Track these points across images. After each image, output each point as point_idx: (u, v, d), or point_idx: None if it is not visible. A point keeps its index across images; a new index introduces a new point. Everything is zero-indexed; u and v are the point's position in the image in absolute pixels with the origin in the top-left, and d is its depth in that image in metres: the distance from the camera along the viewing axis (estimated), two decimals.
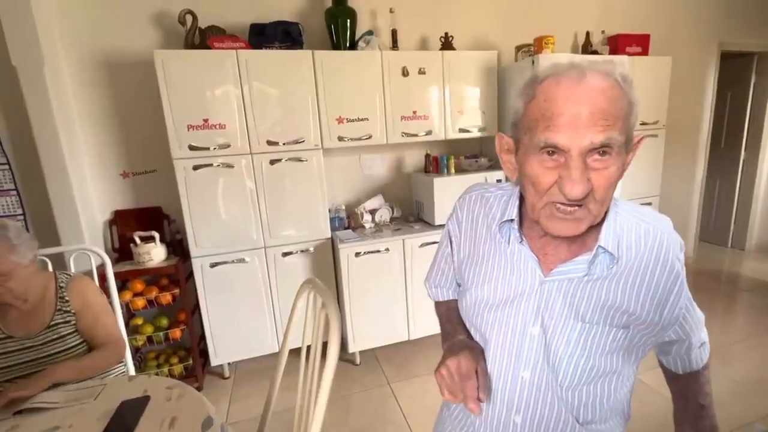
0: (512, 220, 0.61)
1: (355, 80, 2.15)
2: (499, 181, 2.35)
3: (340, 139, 2.18)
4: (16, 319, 1.17)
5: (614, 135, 0.47)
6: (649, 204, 2.93)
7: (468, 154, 2.58)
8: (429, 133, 2.36)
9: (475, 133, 2.47)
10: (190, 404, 0.97)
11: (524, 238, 0.61)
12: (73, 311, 1.23)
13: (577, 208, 0.51)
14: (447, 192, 2.27)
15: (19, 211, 2.01)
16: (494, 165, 2.51)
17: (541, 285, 0.59)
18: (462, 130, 2.43)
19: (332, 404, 1.90)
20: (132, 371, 1.55)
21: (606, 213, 0.55)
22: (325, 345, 0.87)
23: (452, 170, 2.37)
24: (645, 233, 0.56)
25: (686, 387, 0.68)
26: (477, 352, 0.63)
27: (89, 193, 2.09)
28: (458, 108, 2.40)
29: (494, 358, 0.63)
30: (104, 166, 2.15)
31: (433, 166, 2.42)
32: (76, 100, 2.04)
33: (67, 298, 1.24)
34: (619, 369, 0.59)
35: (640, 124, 2.77)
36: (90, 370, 1.19)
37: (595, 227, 0.55)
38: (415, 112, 2.29)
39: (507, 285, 0.61)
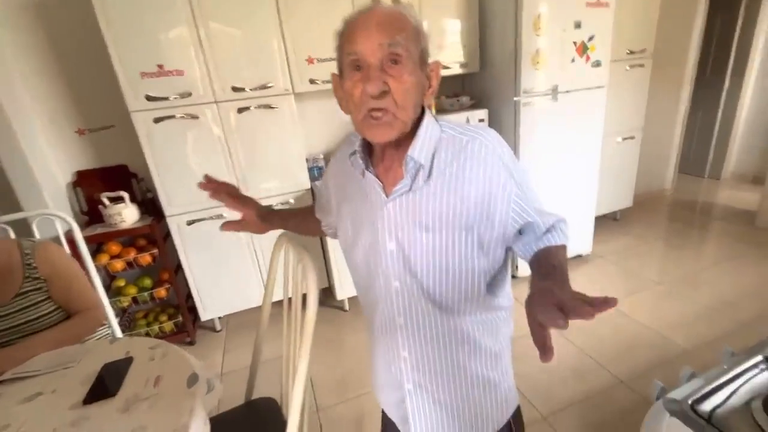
0: (355, 152, 0.70)
1: (322, 14, 1.96)
2: (481, 120, 2.27)
3: (312, 82, 2.03)
4: None
5: (400, 39, 0.58)
6: (632, 138, 2.92)
7: (448, 93, 2.47)
8: None
9: (456, 69, 2.33)
10: (174, 363, 0.96)
11: (370, 166, 0.70)
12: (42, 278, 1.18)
13: (381, 113, 0.60)
14: None
15: None
16: (477, 104, 2.41)
17: (385, 205, 0.68)
18: (443, 67, 2.29)
19: (326, 348, 1.96)
20: (118, 332, 1.55)
21: (418, 128, 0.65)
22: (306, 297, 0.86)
23: (433, 110, 2.26)
24: (465, 143, 0.65)
25: (540, 258, 0.64)
26: None
27: (44, 153, 1.94)
28: (437, 42, 2.24)
29: (370, 271, 0.73)
30: (57, 124, 1.98)
31: None
32: (11, 50, 1.81)
33: (34, 265, 1.18)
34: (477, 265, 0.67)
35: (627, 53, 2.66)
36: (70, 340, 1.17)
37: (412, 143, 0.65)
38: None
39: (365, 210, 0.72)
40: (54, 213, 1.50)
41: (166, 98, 1.80)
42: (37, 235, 1.52)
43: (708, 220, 3.15)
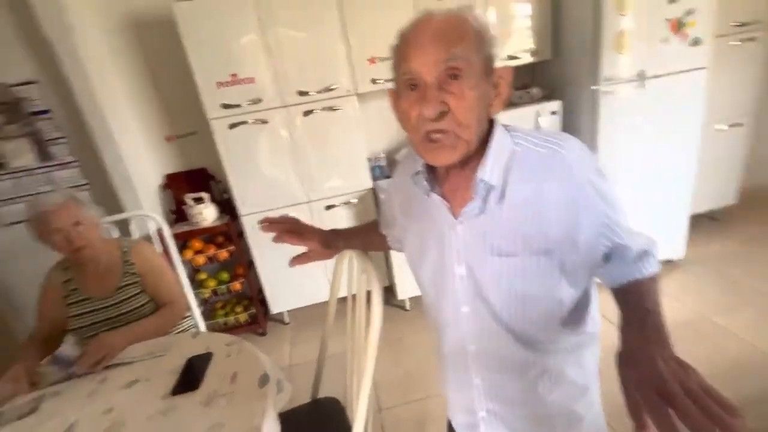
0: (419, 172, 0.66)
1: (385, 13, 1.93)
2: (554, 113, 2.10)
3: (374, 81, 2.02)
4: (92, 282, 1.29)
5: (458, 52, 0.52)
6: (740, 125, 2.50)
7: (517, 85, 2.31)
8: None
9: (526, 58, 2.17)
10: (247, 361, 1.02)
11: (435, 186, 0.65)
12: (138, 273, 1.33)
13: (441, 135, 0.56)
14: None
15: (83, 181, 2.16)
16: (549, 95, 2.23)
17: (454, 228, 0.63)
18: (510, 57, 2.15)
19: (387, 347, 1.98)
20: (200, 322, 1.69)
21: (487, 144, 0.59)
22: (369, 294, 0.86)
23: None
24: (543, 158, 0.57)
25: (630, 295, 0.60)
26: None
27: (141, 159, 2.17)
28: (505, 30, 2.10)
29: (438, 293, 0.69)
30: (150, 131, 2.21)
31: None
32: (113, 65, 2.05)
33: (131, 262, 1.33)
34: (558, 291, 0.60)
35: (734, 26, 2.27)
36: (160, 330, 1.29)
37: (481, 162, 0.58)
38: None
39: (431, 231, 0.67)
40: (148, 214, 1.68)
41: (239, 105, 1.91)
42: (135, 234, 1.72)
43: None
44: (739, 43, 2.31)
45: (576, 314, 0.64)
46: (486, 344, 0.66)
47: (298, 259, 0.90)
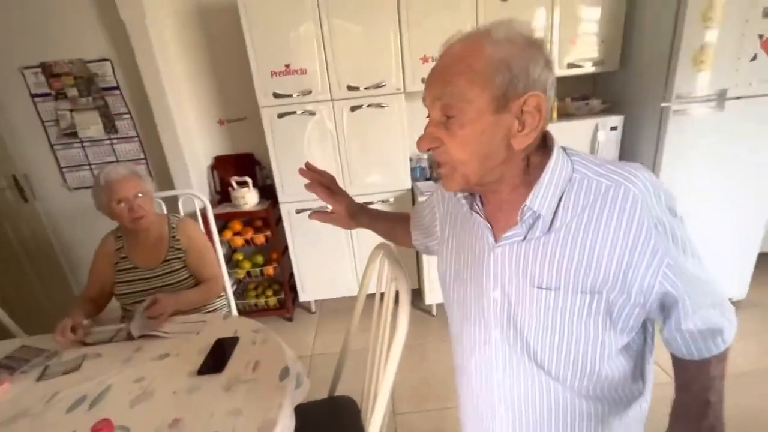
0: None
1: (444, 11, 1.88)
2: (613, 129, 1.96)
3: (424, 81, 1.97)
4: (141, 253, 1.38)
5: (451, 90, 0.51)
6: None
7: (576, 95, 2.18)
8: None
9: (588, 68, 2.04)
10: (271, 351, 1.04)
11: (477, 206, 0.64)
12: (182, 249, 1.39)
13: (442, 165, 0.57)
14: None
15: (141, 156, 2.30)
16: (610, 109, 2.08)
17: (492, 251, 0.60)
18: (571, 65, 2.03)
19: (408, 351, 1.93)
20: (232, 303, 1.76)
21: (543, 171, 0.55)
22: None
23: (554, 115, 2.03)
24: (604, 189, 0.52)
25: (689, 377, 0.59)
26: None
27: (193, 139, 2.28)
28: (570, 36, 1.98)
29: (467, 314, 0.66)
30: (204, 114, 2.31)
31: None
32: (177, 49, 2.16)
33: (177, 237, 1.40)
34: (601, 335, 0.55)
35: None
36: (199, 303, 1.38)
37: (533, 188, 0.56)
38: None
39: (471, 248, 0.65)
40: (196, 194, 1.76)
41: (289, 95, 1.95)
42: (182, 211, 1.81)
43: None
44: None
45: (620, 363, 0.59)
46: (515, 376, 0.62)
47: (318, 214, 0.88)
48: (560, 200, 0.55)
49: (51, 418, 0.87)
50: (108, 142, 2.26)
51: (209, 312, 1.47)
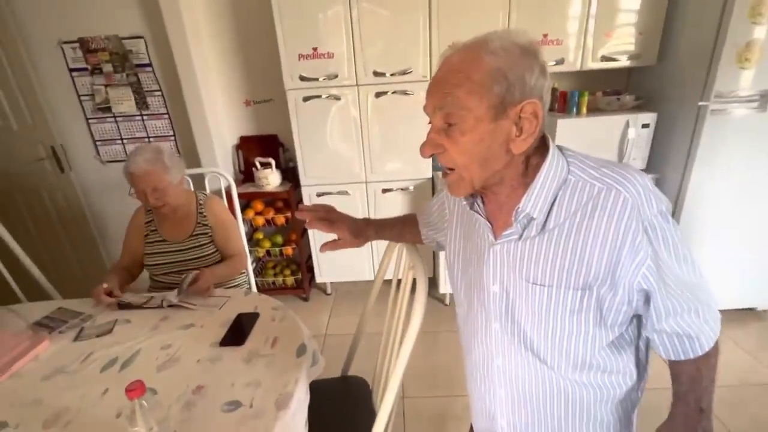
0: None
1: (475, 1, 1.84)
2: (645, 126, 1.89)
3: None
4: (170, 227, 1.44)
5: (450, 101, 0.53)
6: None
7: (608, 90, 2.11)
8: (560, 62, 1.96)
9: (623, 62, 1.97)
10: (289, 328, 1.08)
11: (478, 206, 0.66)
12: (209, 225, 1.45)
13: (449, 171, 0.60)
14: (573, 137, 1.92)
15: (171, 133, 2.37)
16: (643, 105, 2.01)
17: (492, 248, 0.64)
18: (605, 58, 1.96)
19: (419, 338, 1.97)
20: (252, 280, 1.82)
21: (537, 174, 0.57)
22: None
23: (584, 110, 1.97)
24: (596, 192, 0.55)
25: (681, 378, 0.62)
26: None
27: (220, 119, 2.33)
28: (605, 28, 1.91)
29: (471, 303, 0.71)
30: (231, 94, 2.35)
31: (560, 103, 2.05)
32: (208, 29, 2.19)
33: (204, 214, 1.46)
34: (591, 329, 0.59)
35: None
36: (227, 277, 1.46)
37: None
38: (546, 36, 1.90)
39: (475, 244, 0.68)
40: (221, 172, 1.81)
41: (316, 79, 1.96)
42: (207, 189, 1.86)
43: None
44: None
45: (610, 355, 0.62)
46: (512, 362, 0.67)
47: (327, 246, 0.91)
48: (554, 202, 0.57)
49: (86, 375, 0.94)
50: (139, 117, 2.33)
51: (231, 287, 1.53)
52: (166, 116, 2.33)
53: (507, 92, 0.51)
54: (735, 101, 1.67)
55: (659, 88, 1.98)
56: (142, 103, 2.30)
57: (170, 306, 1.21)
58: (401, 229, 0.97)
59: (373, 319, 1.20)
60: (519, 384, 0.68)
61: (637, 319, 0.63)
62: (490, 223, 0.65)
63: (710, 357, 0.60)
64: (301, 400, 0.87)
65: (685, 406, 0.62)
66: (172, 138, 2.38)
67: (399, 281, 1.02)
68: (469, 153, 0.55)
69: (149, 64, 2.22)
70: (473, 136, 0.54)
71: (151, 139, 2.37)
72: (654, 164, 1.98)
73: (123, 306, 1.22)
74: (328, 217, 0.89)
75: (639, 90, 2.09)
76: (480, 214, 0.66)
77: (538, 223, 0.58)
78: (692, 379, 0.61)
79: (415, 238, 0.95)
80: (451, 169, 0.59)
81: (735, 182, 1.78)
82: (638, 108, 1.99)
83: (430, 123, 0.59)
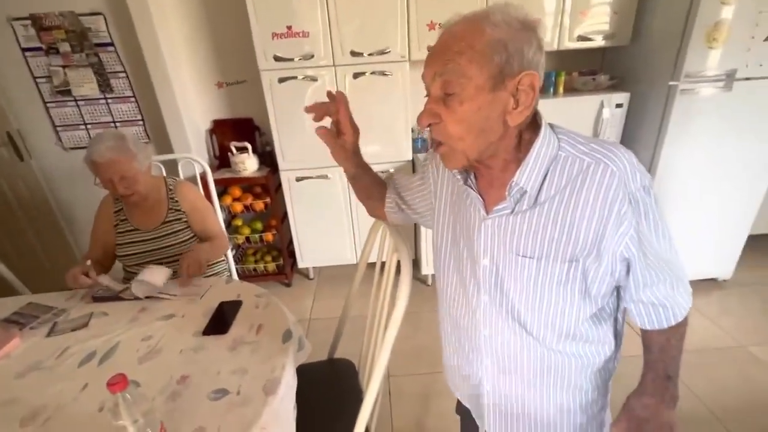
0: None
1: None
2: (619, 106, 1.94)
3: (430, 49, 1.92)
4: (140, 215, 1.38)
5: (452, 67, 0.53)
6: None
7: (584, 70, 2.14)
8: None
9: (599, 42, 1.99)
10: (273, 315, 1.08)
11: (471, 181, 0.67)
12: (183, 210, 1.41)
13: (440, 145, 0.60)
14: (550, 117, 1.88)
15: (138, 117, 2.25)
16: (618, 85, 2.05)
17: (483, 222, 0.65)
18: (581, 38, 1.98)
19: (404, 319, 2.02)
20: (233, 267, 1.79)
21: (530, 149, 0.59)
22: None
23: (560, 89, 2.00)
24: (586, 166, 0.57)
25: (652, 347, 0.66)
26: None
27: (191, 101, 2.23)
28: (581, 7, 1.92)
29: (462, 278, 0.72)
30: (202, 77, 2.25)
31: None
32: (173, 6, 2.07)
33: (176, 199, 1.41)
34: (577, 299, 0.62)
35: None
36: (212, 257, 1.43)
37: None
38: None
39: (465, 219, 0.70)
40: (195, 158, 1.75)
41: (291, 59, 1.89)
42: (181, 175, 1.80)
43: None
44: None
45: (592, 325, 0.65)
46: (500, 332, 0.69)
47: (326, 132, 0.78)
48: (546, 176, 0.59)
49: (63, 371, 0.91)
50: (104, 101, 2.20)
51: (211, 276, 1.50)
52: (133, 99, 2.21)
53: (506, 63, 0.52)
54: (703, 81, 1.73)
55: (632, 68, 2.02)
56: (105, 85, 2.17)
57: (148, 297, 1.18)
58: (375, 183, 0.90)
59: (357, 302, 1.21)
60: (505, 353, 0.71)
61: (617, 292, 0.66)
62: (482, 198, 0.66)
63: (680, 328, 0.64)
64: (288, 385, 0.88)
65: (655, 374, 0.67)
66: (141, 122, 2.26)
67: (383, 264, 1.02)
68: (466, 122, 0.56)
69: (111, 43, 2.08)
70: (472, 104, 0.54)
71: (118, 124, 2.25)
72: (626, 142, 2.03)
73: (98, 298, 1.18)
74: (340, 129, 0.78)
75: (613, 70, 2.12)
76: (472, 189, 0.66)
77: (530, 197, 0.60)
78: (662, 348, 0.66)
79: (380, 201, 0.90)
80: (441, 143, 0.60)
81: (701, 159, 1.86)
82: (612, 88, 2.03)
83: (426, 96, 0.60)
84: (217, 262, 1.56)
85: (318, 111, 0.74)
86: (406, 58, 1.93)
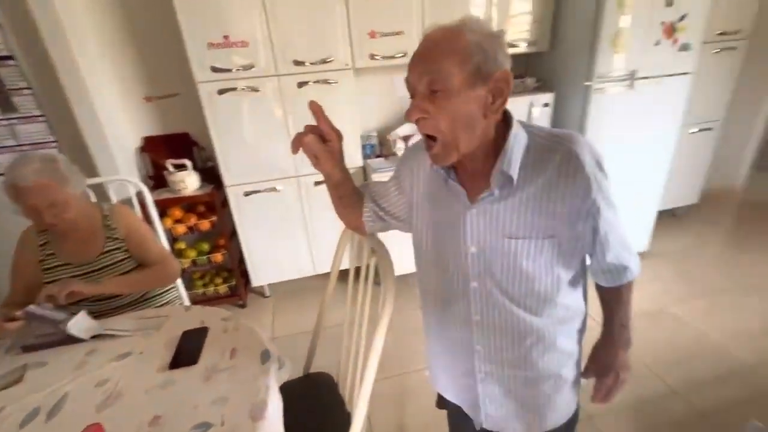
0: None
1: None
2: (546, 105, 2.14)
3: (373, 57, 1.97)
4: (71, 247, 1.23)
5: (436, 68, 0.59)
6: (709, 130, 2.66)
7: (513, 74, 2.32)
8: None
9: (522, 48, 2.18)
10: (245, 336, 1.02)
11: (453, 173, 0.72)
12: (121, 238, 1.27)
13: (431, 141, 0.65)
14: None
15: (51, 139, 1.99)
16: (542, 87, 2.26)
17: (469, 211, 0.70)
18: (508, 45, 2.15)
19: (370, 323, 2.01)
20: (184, 293, 1.66)
21: (506, 140, 0.66)
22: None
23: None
24: (554, 151, 0.65)
25: (610, 302, 0.80)
26: None
27: (116, 120, 2.03)
28: (505, 16, 2.09)
29: (447, 271, 0.76)
30: (127, 91, 2.06)
31: None
32: (87, 15, 1.87)
33: (113, 226, 1.27)
34: (556, 269, 0.70)
35: (718, 35, 2.37)
36: (138, 284, 1.27)
37: (498, 156, 0.66)
38: None
39: (447, 214, 0.74)
40: (128, 179, 1.60)
41: (229, 70, 1.81)
42: (114, 199, 1.63)
43: None
44: (719, 51, 2.43)
45: (569, 291, 0.74)
46: (490, 314, 0.74)
47: (313, 140, 0.72)
48: (521, 163, 0.66)
49: None
50: (6, 122, 1.92)
51: (162, 305, 1.38)
52: (42, 119, 1.96)
53: (483, 63, 0.59)
54: (611, 81, 1.98)
55: (554, 70, 2.24)
56: (5, 103, 1.89)
57: (94, 337, 1.05)
58: (355, 191, 0.88)
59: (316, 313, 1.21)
60: (495, 334, 0.75)
61: (582, 258, 0.75)
62: (466, 189, 0.71)
63: (630, 284, 0.77)
64: (276, 407, 0.84)
65: (612, 325, 0.80)
66: (54, 145, 2.01)
67: (357, 269, 1.02)
68: (453, 116, 0.61)
69: (10, 57, 1.83)
70: (457, 100, 0.60)
71: (25, 148, 1.98)
72: None
73: (29, 348, 1.03)
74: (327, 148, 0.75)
75: (538, 73, 2.34)
76: (457, 183, 0.71)
77: (512, 184, 0.66)
78: (617, 302, 0.78)
79: (356, 211, 0.89)
80: (433, 141, 0.65)
81: (615, 147, 2.11)
82: (538, 89, 2.24)
83: (411, 97, 0.64)
84: (166, 291, 1.44)
85: (296, 144, 0.73)
86: (350, 66, 1.95)
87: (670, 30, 1.92)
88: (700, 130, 2.64)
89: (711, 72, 2.46)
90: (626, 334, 0.80)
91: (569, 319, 0.76)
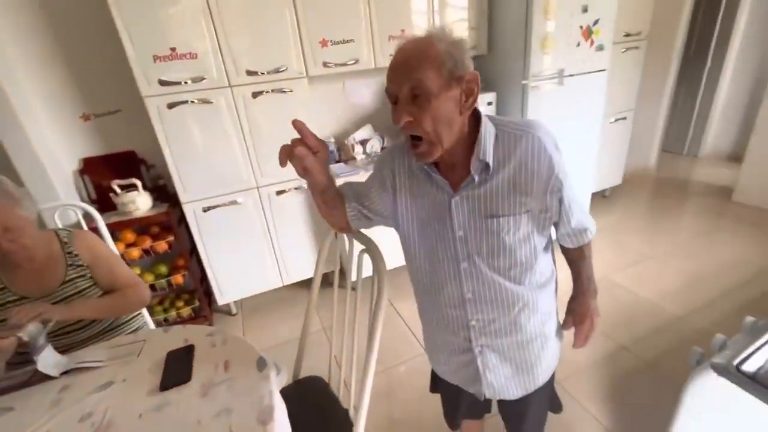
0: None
1: None
2: (489, 104, 2.32)
3: (326, 65, 2.01)
4: (26, 279, 1.13)
5: (417, 75, 0.66)
6: (624, 119, 3.04)
7: None
8: None
9: None
10: (237, 348, 1.01)
11: (434, 168, 0.79)
12: (85, 265, 1.19)
13: (419, 142, 0.73)
14: None
15: None
16: (485, 87, 2.43)
17: (453, 199, 0.78)
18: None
19: (341, 327, 2.02)
20: (149, 319, 1.57)
21: (478, 132, 0.75)
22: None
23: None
24: (519, 138, 0.74)
25: (576, 260, 0.93)
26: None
27: (49, 141, 1.86)
28: (447, 23, 2.24)
29: (438, 258, 0.83)
30: (61, 110, 1.90)
31: None
32: (10, 35, 1.71)
33: (75, 253, 1.19)
34: (533, 240, 0.80)
35: (624, 36, 2.73)
36: (111, 310, 1.20)
37: (474, 147, 0.75)
38: (403, 31, 2.12)
39: (433, 205, 0.81)
40: (75, 203, 1.50)
41: (179, 83, 1.75)
42: (59, 225, 1.50)
43: (689, 196, 3.35)
44: (626, 50, 2.79)
45: (543, 257, 0.84)
46: (480, 290, 0.82)
47: (301, 149, 0.76)
48: (493, 150, 0.75)
49: None
50: None
51: (130, 333, 1.30)
52: None
53: (455, 67, 0.67)
54: (544, 79, 2.20)
55: (494, 71, 2.43)
56: None
57: (65, 373, 0.98)
58: (339, 193, 0.92)
59: (291, 324, 1.21)
60: (487, 307, 0.83)
61: (550, 227, 0.85)
62: (448, 180, 0.79)
63: (590, 243, 0.90)
64: (282, 410, 0.85)
65: (581, 279, 0.93)
66: None
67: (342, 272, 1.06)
68: (435, 116, 0.69)
69: None
70: (438, 101, 0.68)
71: None
72: None
73: None
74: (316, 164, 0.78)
75: (480, 75, 2.51)
76: (439, 175, 0.79)
77: (489, 170, 0.74)
78: (582, 258, 0.91)
79: (341, 213, 0.92)
80: (418, 141, 0.72)
81: None
82: (482, 89, 2.40)
83: (395, 103, 0.71)
84: (132, 318, 1.36)
85: (284, 157, 0.77)
86: (304, 74, 1.97)
87: (587, 33, 2.18)
88: (617, 120, 3.00)
89: (621, 68, 2.82)
90: (593, 285, 0.93)
91: (546, 283, 0.87)
